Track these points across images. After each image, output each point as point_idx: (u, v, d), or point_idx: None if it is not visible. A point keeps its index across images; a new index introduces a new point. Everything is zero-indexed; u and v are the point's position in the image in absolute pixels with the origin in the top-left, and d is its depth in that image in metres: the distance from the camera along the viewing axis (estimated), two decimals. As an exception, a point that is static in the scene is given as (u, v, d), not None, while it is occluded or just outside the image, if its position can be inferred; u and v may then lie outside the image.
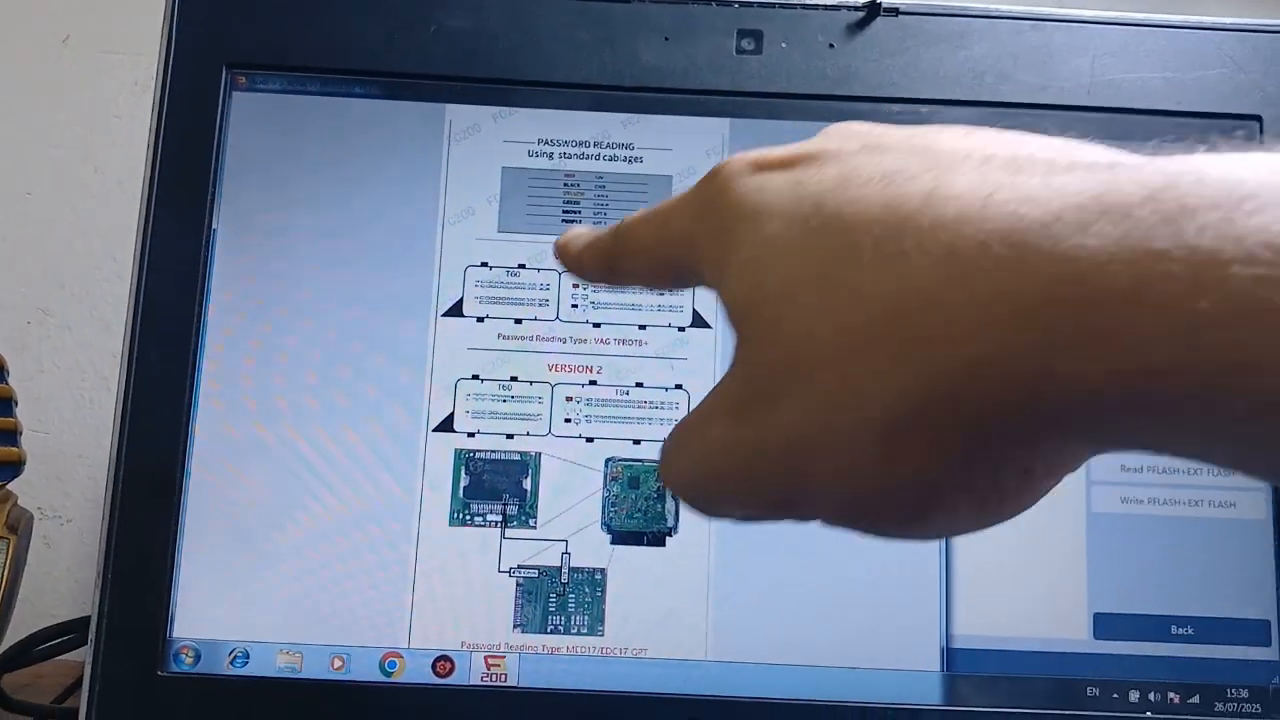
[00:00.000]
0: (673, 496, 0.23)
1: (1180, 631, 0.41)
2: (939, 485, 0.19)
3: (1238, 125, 0.44)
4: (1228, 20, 0.45)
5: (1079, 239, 0.16)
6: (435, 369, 0.42)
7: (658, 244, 0.25)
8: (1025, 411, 0.17)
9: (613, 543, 0.41)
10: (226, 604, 0.41)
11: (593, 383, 0.42)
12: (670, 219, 0.25)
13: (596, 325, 0.43)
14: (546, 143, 0.44)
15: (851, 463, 0.19)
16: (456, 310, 0.43)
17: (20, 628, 0.49)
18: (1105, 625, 0.41)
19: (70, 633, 0.47)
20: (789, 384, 0.19)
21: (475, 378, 0.42)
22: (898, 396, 0.18)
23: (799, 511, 0.21)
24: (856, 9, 0.44)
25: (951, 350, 0.17)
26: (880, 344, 0.18)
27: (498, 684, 0.40)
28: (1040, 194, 0.17)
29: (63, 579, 0.65)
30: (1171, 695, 0.41)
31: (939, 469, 0.18)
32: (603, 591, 0.41)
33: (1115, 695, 0.41)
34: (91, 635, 0.40)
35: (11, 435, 0.49)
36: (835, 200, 0.20)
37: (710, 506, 0.22)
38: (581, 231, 0.28)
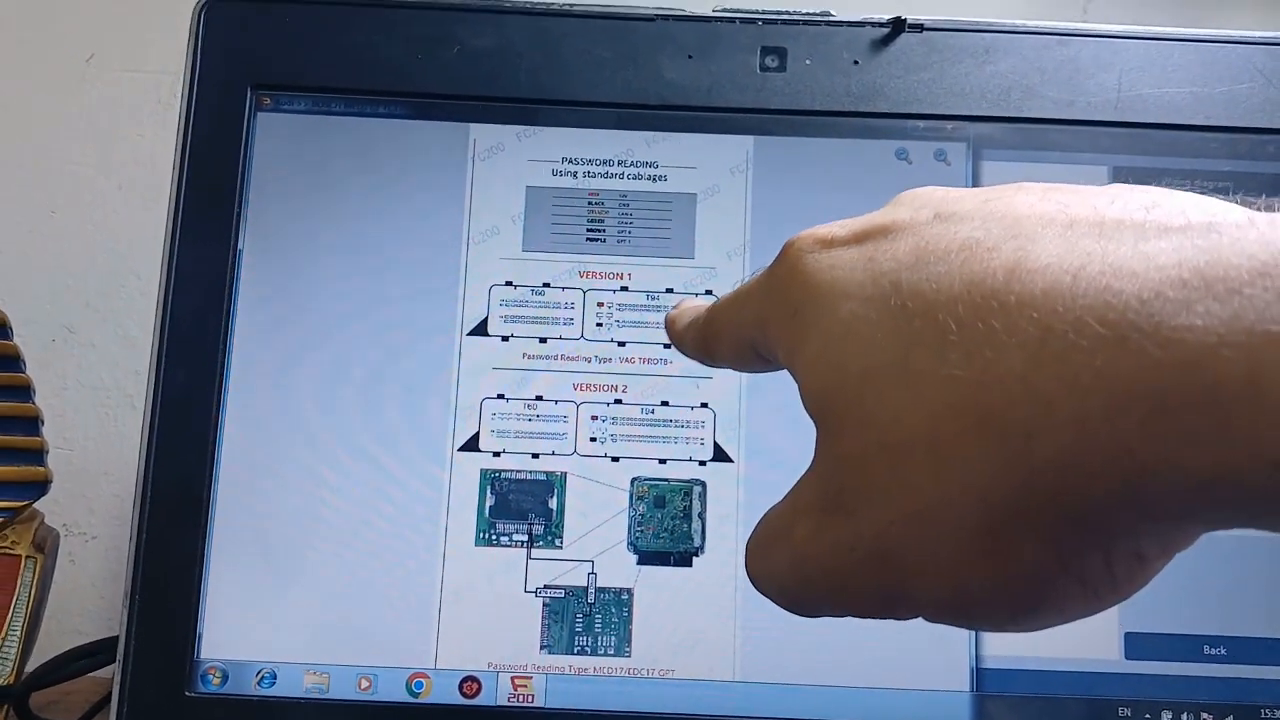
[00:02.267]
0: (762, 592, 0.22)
1: (1213, 651, 0.41)
2: (1047, 577, 0.17)
3: (1268, 139, 0.44)
4: (1256, 34, 0.44)
5: (1184, 318, 0.15)
6: (460, 388, 0.42)
7: (736, 327, 0.24)
8: (1133, 502, 0.16)
9: (639, 563, 0.41)
10: (254, 624, 0.41)
11: (618, 401, 0.42)
12: (746, 301, 0.23)
13: (621, 344, 0.43)
14: (570, 161, 0.44)
15: (952, 559, 0.18)
16: (481, 329, 0.43)
17: (45, 642, 0.49)
18: (1137, 645, 0.41)
19: (98, 653, 0.47)
20: (877, 477, 0.18)
21: (500, 397, 0.42)
22: (995, 488, 0.16)
23: (899, 611, 0.19)
24: (881, 25, 0.44)
25: (1047, 439, 0.16)
26: (971, 432, 0.17)
27: (525, 704, 0.40)
28: (1134, 265, 0.16)
29: (87, 594, 0.65)
30: (1205, 715, 0.40)
31: (1046, 561, 0.17)
32: (629, 612, 0.41)
33: (1148, 715, 0.40)
34: (120, 656, 0.40)
35: (38, 455, 0.49)
36: (913, 278, 0.18)
37: (803, 609, 0.21)
38: (687, 308, 0.27)
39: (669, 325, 0.28)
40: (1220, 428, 0.14)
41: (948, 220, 0.19)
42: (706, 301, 0.27)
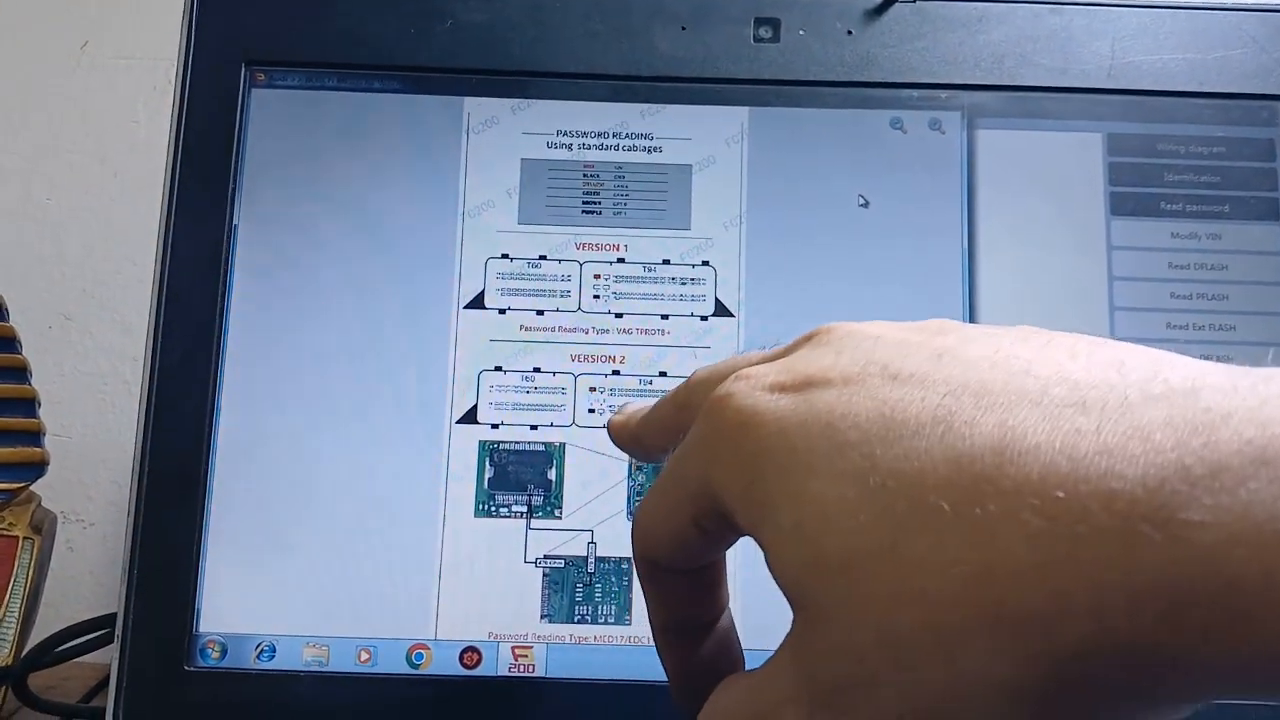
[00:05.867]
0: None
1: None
2: None
3: (1261, 105, 0.44)
4: (1249, 1, 0.45)
5: (1193, 513, 0.15)
6: (458, 361, 0.42)
7: (677, 501, 0.22)
8: (1152, 689, 0.16)
9: (638, 532, 0.41)
10: (252, 598, 0.40)
11: (615, 373, 0.42)
12: (687, 465, 0.22)
13: (618, 315, 0.43)
14: (565, 134, 0.44)
15: None
16: (478, 302, 0.43)
17: (43, 628, 0.49)
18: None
19: (97, 629, 0.47)
20: (879, 673, 0.17)
21: (498, 369, 0.42)
22: (1022, 680, 0.16)
23: None
24: (874, -5, 0.44)
25: (1069, 631, 0.15)
26: (983, 622, 0.16)
27: (525, 674, 0.40)
28: (1130, 447, 0.15)
29: (85, 581, 0.65)
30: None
31: None
32: (629, 580, 0.41)
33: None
34: (119, 632, 0.40)
35: (35, 436, 0.49)
36: (889, 454, 0.17)
37: None
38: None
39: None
40: (1239, 623, 0.14)
41: (905, 383, 0.18)
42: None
